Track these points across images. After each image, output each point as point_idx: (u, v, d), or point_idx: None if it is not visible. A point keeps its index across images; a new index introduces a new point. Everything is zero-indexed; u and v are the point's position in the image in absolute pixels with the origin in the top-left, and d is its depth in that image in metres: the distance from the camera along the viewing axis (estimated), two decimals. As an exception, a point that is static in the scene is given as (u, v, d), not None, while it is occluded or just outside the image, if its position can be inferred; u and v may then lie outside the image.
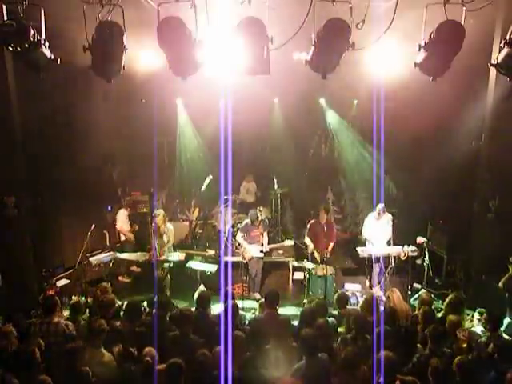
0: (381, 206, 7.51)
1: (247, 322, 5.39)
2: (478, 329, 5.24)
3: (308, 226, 7.76)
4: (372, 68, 6.65)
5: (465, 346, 4.58)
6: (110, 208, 9.30)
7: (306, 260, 7.52)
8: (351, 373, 3.91)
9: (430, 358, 4.13)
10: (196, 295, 5.74)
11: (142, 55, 6.85)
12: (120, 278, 8.37)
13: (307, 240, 7.74)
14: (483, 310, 5.59)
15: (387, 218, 7.53)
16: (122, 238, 8.73)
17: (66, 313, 5.57)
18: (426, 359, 4.13)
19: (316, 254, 7.58)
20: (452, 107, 7.96)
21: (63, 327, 4.71)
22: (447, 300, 5.30)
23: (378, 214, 7.49)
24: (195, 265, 7.43)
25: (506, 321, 5.62)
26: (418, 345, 4.55)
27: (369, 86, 7.33)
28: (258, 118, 9.99)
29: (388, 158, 9.91)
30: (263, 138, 10.39)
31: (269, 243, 7.68)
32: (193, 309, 5.21)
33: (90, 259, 7.31)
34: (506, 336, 5.02)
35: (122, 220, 8.64)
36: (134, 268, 8.53)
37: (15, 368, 3.90)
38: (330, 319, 5.04)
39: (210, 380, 3.83)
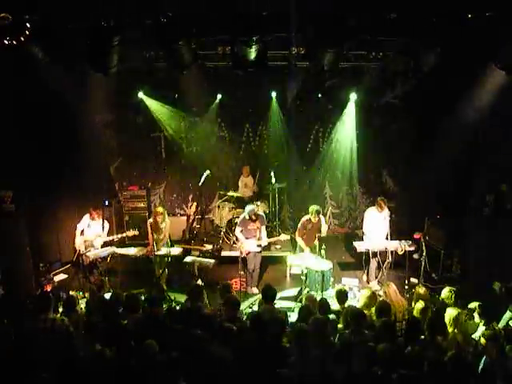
0: (382, 199, 7.48)
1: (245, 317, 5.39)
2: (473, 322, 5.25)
3: (300, 222, 7.56)
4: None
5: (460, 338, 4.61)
6: (107, 202, 9.28)
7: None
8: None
9: (426, 350, 4.15)
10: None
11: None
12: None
13: (299, 240, 7.50)
14: (477, 303, 5.63)
15: (386, 212, 7.54)
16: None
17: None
18: (423, 352, 4.14)
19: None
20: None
21: (60, 323, 4.70)
22: (443, 294, 5.32)
23: (380, 207, 7.43)
24: (192, 259, 7.42)
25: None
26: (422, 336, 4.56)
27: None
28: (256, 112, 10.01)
29: (386, 152, 9.97)
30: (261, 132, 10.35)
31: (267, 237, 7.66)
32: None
33: (88, 254, 7.31)
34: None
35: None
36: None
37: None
38: (331, 316, 5.03)
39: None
